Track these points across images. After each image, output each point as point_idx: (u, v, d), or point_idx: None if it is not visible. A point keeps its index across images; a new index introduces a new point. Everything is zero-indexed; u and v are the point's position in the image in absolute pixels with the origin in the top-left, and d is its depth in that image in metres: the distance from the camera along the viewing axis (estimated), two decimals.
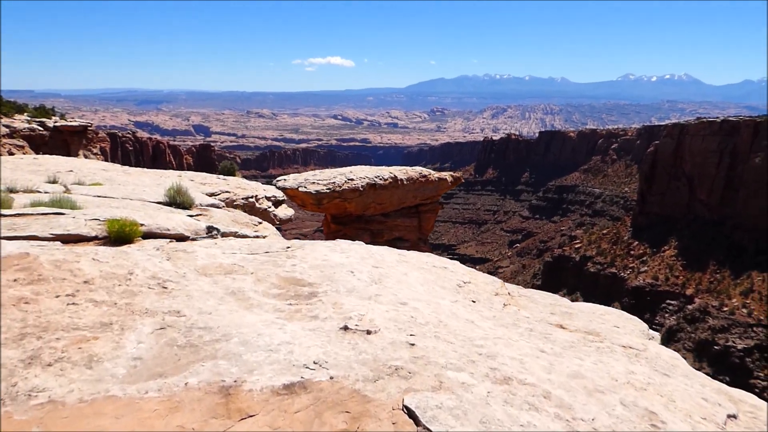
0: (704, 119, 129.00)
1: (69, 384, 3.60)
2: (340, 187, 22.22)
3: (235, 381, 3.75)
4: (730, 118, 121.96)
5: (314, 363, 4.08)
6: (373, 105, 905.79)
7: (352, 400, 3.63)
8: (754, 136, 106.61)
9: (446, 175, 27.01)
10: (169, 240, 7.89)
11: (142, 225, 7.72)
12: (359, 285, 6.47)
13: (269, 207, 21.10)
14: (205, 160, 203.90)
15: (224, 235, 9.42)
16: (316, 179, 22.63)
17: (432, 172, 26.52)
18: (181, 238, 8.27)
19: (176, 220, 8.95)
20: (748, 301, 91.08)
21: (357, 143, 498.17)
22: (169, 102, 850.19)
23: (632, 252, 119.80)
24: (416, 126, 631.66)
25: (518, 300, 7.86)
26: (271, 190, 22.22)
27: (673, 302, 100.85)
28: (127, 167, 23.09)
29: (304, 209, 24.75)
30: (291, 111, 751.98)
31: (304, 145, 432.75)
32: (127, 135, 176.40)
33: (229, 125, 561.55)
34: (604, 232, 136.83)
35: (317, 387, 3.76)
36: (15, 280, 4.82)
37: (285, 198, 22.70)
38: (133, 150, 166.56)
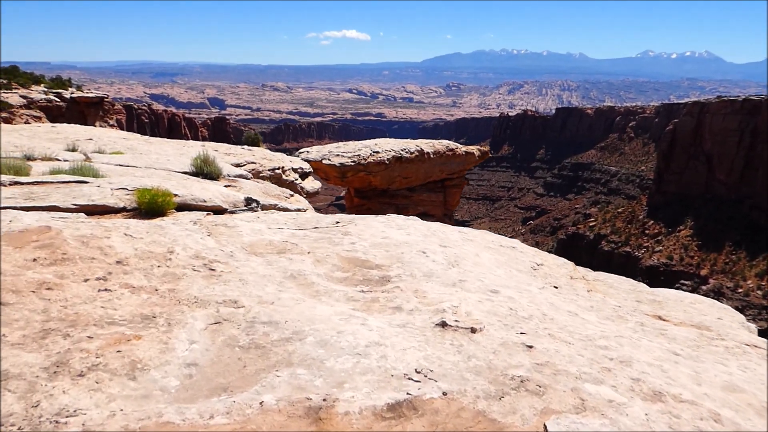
0: (725, 98, 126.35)
1: (108, 403, 2.68)
2: (365, 159, 21.17)
3: (324, 399, 2.81)
4: (752, 97, 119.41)
5: (417, 372, 3.16)
6: (389, 79, 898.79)
7: (479, 426, 2.75)
8: None
9: (473, 148, 26.00)
10: (206, 213, 7.03)
11: (175, 195, 6.86)
12: (436, 268, 5.58)
13: (296, 179, 20.30)
14: (221, 132, 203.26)
15: (264, 208, 8.64)
16: (340, 151, 21.61)
17: (459, 145, 25.31)
18: (218, 210, 7.42)
19: (212, 190, 8.09)
20: (763, 283, 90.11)
21: (372, 117, 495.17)
22: (185, 75, 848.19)
23: (647, 231, 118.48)
24: (432, 101, 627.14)
25: (596, 285, 7.09)
26: (297, 162, 21.38)
27: (687, 282, 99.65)
28: (148, 137, 22.34)
29: (327, 182, 23.58)
30: (306, 85, 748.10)
31: (318, 119, 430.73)
32: (143, 107, 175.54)
33: (244, 98, 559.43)
34: (619, 210, 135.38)
35: (430, 407, 2.85)
36: (35, 260, 3.94)
37: (311, 170, 22.00)
38: (149, 122, 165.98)
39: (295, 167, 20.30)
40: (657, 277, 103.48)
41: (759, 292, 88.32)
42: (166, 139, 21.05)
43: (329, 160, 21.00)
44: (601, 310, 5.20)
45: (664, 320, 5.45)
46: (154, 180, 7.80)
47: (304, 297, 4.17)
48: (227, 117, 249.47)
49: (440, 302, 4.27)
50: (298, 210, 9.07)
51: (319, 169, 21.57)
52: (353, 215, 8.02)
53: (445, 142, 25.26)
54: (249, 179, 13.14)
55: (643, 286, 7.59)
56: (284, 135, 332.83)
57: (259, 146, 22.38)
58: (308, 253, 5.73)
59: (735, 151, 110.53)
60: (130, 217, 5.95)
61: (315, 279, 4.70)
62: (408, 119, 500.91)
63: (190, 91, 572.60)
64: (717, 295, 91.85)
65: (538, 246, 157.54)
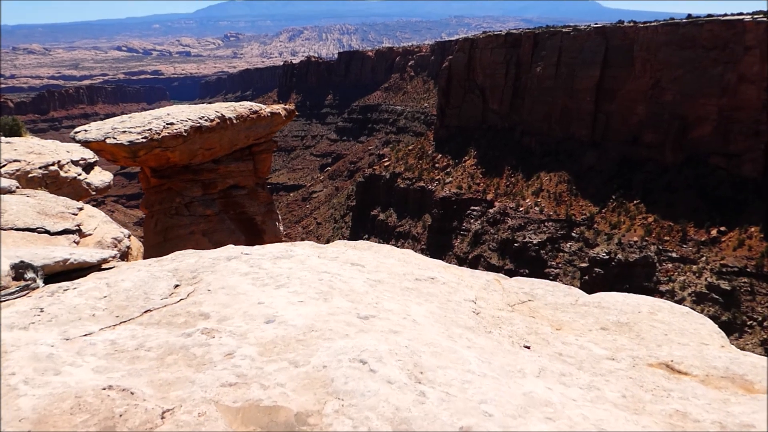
0: (490, 33, 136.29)
1: None
2: (159, 134, 18.35)
3: None
4: (513, 31, 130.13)
5: None
6: (161, 33, 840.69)
7: None
8: (534, 47, 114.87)
9: (278, 108, 23.76)
10: None
11: None
12: (403, 400, 3.50)
13: (79, 174, 16.93)
14: None
15: (48, 274, 5.40)
16: (126, 126, 18.37)
17: (262, 106, 23.04)
18: None
19: None
20: (539, 200, 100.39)
21: (148, 76, 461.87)
22: None
23: (437, 165, 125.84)
24: (211, 53, 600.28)
25: (540, 310, 6.28)
26: (78, 150, 18.03)
27: (476, 208, 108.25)
28: None
29: (115, 164, 20.64)
30: (66, 45, 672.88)
31: (87, 82, 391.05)
32: None
33: None
34: (410, 148, 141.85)
35: None
36: None
37: (96, 159, 18.77)
38: None
39: (75, 158, 17.11)
40: (451, 207, 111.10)
41: (536, 208, 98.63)
42: None
43: (115, 138, 17.85)
44: (600, 386, 4.24)
45: (681, 373, 4.62)
46: None
47: None
48: None
49: None
50: (103, 262, 6.26)
51: (103, 150, 18.51)
52: (192, 264, 6.05)
53: (248, 104, 22.90)
54: (13, 191, 10.76)
55: (576, 291, 6.94)
56: (49, 103, 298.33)
57: (20, 134, 18.85)
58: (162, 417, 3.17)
59: (504, 82, 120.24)
60: None
61: None
62: (188, 74, 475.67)
63: None
64: (503, 215, 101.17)
65: (338, 191, 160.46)
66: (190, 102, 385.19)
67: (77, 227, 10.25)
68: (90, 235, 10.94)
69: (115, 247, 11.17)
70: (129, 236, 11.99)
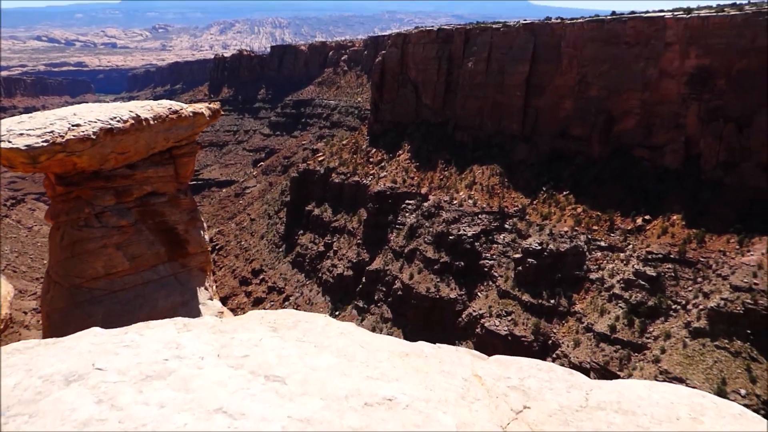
0: (422, 28, 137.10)
1: None
2: (63, 137, 16.17)
3: None
4: (444, 27, 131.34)
5: None
6: (84, 23, 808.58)
7: None
8: (466, 43, 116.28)
9: (201, 107, 21.53)
10: None
11: None
12: None
13: None
14: None
15: None
16: (24, 128, 16.06)
17: (184, 105, 20.85)
18: None
19: None
20: (472, 193, 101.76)
21: (71, 68, 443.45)
22: None
23: (371, 159, 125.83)
24: (138, 45, 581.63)
25: (538, 424, 4.73)
26: None
27: (411, 202, 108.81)
28: None
29: (12, 170, 18.09)
30: None
31: (5, 73, 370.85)
32: None
33: None
34: (344, 142, 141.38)
35: None
36: None
37: None
38: None
39: None
40: (386, 201, 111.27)
41: (470, 201, 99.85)
42: None
43: (10, 142, 15.58)
44: None
45: None
46: None
47: None
48: None
49: None
50: None
51: None
52: (7, 392, 4.74)
53: (167, 103, 20.64)
54: None
55: (582, 380, 5.41)
56: None
57: None
58: None
59: (436, 77, 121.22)
60: None
61: None
62: (115, 67, 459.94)
63: None
64: (437, 209, 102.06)
65: (272, 186, 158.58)
66: (117, 95, 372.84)
67: None
68: None
69: None
70: None
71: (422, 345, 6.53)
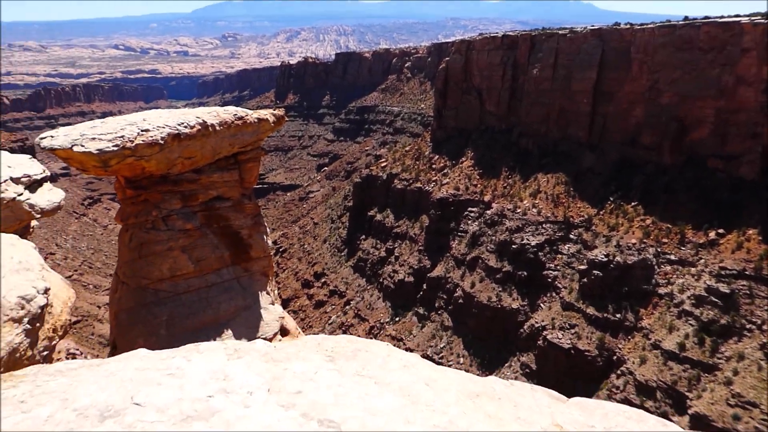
0: (486, 35, 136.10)
1: None
2: (132, 141, 16.41)
3: None
4: (509, 33, 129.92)
5: None
6: (158, 32, 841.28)
7: None
8: (531, 49, 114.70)
9: (266, 114, 21.53)
10: None
11: None
12: None
13: (19, 194, 14.73)
14: None
15: None
16: (97, 133, 16.30)
17: (249, 111, 20.96)
18: None
19: None
20: (536, 201, 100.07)
21: (146, 75, 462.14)
22: None
23: (434, 166, 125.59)
24: (208, 53, 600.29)
25: None
26: (23, 166, 15.75)
27: (474, 209, 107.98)
28: None
29: (85, 173, 18.48)
30: (63, 42, 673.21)
31: (84, 80, 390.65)
32: None
33: None
34: (407, 149, 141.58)
35: None
36: None
37: (47, 174, 16.85)
38: None
39: (17, 175, 14.92)
40: (448, 208, 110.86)
41: (534, 210, 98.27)
42: None
43: (83, 146, 15.78)
44: None
45: None
46: None
47: None
48: None
49: None
50: None
51: (70, 158, 16.56)
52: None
53: (232, 109, 20.72)
54: None
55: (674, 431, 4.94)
56: (46, 101, 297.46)
57: None
58: None
59: (500, 84, 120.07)
60: None
61: None
62: (186, 74, 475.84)
63: None
64: (500, 217, 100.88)
65: (335, 191, 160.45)
66: (187, 101, 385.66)
67: None
68: None
69: (22, 308, 8.65)
70: (47, 291, 9.37)
71: (494, 382, 6.04)
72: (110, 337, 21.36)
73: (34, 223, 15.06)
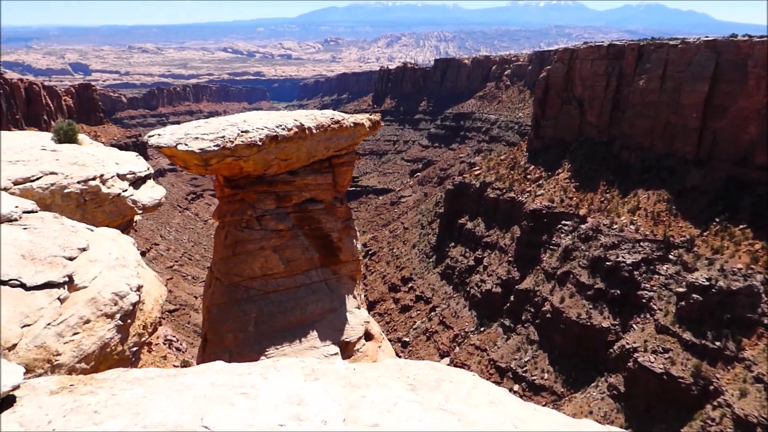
0: (591, 44, 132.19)
1: None
2: (232, 142, 17.02)
3: None
4: (616, 42, 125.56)
5: None
6: (265, 36, 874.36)
7: None
8: (638, 60, 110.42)
9: (363, 118, 21.75)
10: None
11: None
12: None
13: (124, 190, 15.26)
14: (87, 100, 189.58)
15: None
16: (200, 132, 17.03)
17: (345, 116, 21.24)
18: None
19: None
20: (635, 218, 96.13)
21: (250, 77, 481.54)
22: (40, 39, 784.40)
23: (529, 176, 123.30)
24: (311, 57, 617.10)
25: None
26: (130, 162, 16.47)
27: (567, 223, 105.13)
28: None
29: (187, 170, 19.35)
30: (177, 45, 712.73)
31: (194, 81, 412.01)
32: None
33: (111, 62, 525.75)
34: (502, 157, 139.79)
35: None
36: None
37: (150, 172, 17.61)
38: (3, 93, 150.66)
39: (122, 172, 15.58)
40: (541, 220, 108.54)
41: (632, 227, 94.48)
42: None
43: (186, 145, 16.53)
44: None
45: None
46: None
47: None
48: (93, 83, 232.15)
49: None
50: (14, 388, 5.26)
51: (174, 156, 17.28)
52: None
53: (329, 113, 21.06)
54: (15, 218, 9.30)
55: None
56: (158, 99, 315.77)
57: (75, 141, 16.91)
58: None
59: (603, 94, 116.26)
60: None
61: None
62: (288, 77, 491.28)
63: (48, 56, 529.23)
64: (595, 232, 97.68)
65: (427, 197, 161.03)
66: (289, 103, 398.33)
67: (66, 278, 8.33)
68: (84, 288, 8.57)
69: (115, 305, 8.93)
70: (139, 288, 9.66)
71: (589, 426, 5.64)
72: (202, 330, 22.27)
73: (137, 217, 15.80)
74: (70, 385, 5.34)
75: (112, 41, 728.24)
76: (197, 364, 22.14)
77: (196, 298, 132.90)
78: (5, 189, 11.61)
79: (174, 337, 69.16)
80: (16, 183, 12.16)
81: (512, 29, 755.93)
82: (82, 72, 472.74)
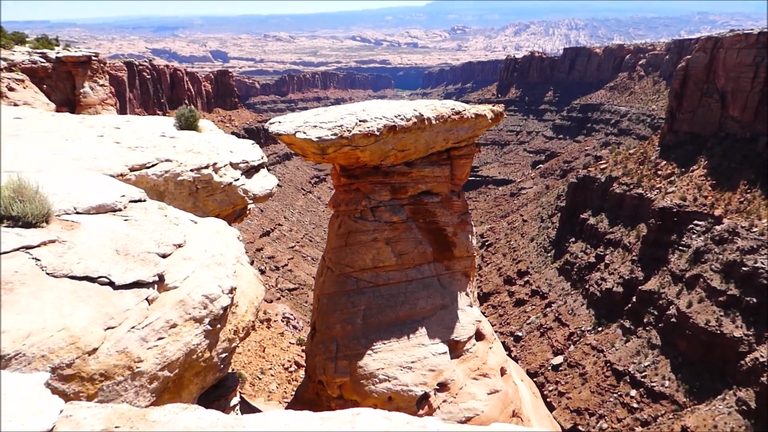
0: (739, 32, 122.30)
1: None
2: (350, 131, 16.76)
3: None
4: (766, 30, 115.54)
5: None
6: (392, 25, 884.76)
7: None
8: None
9: (484, 109, 20.67)
10: None
11: None
12: None
13: (236, 179, 15.16)
14: (224, 86, 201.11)
15: None
16: (318, 121, 16.93)
17: (466, 106, 20.20)
18: None
19: None
20: None
21: (376, 65, 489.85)
22: (185, 28, 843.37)
23: (659, 172, 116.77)
24: (437, 45, 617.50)
25: None
26: (244, 151, 16.37)
27: (700, 223, 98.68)
28: (53, 113, 17.56)
29: (304, 159, 19.38)
30: (309, 33, 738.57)
31: (323, 68, 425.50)
32: (144, 63, 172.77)
33: (247, 50, 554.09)
34: (631, 151, 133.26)
35: None
36: None
37: (263, 161, 17.40)
38: (151, 78, 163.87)
39: (236, 161, 15.53)
40: (670, 218, 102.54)
41: None
42: (70, 117, 16.56)
43: (304, 133, 16.52)
44: None
45: None
46: None
47: None
48: (230, 70, 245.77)
49: None
50: None
51: (293, 144, 17.33)
52: None
53: (450, 103, 20.13)
54: (119, 208, 9.07)
55: None
56: (288, 86, 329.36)
57: (195, 128, 17.11)
58: None
59: (750, 87, 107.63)
60: None
61: None
62: (413, 65, 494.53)
63: (191, 44, 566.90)
64: (732, 234, 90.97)
65: (548, 190, 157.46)
66: (413, 91, 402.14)
67: (156, 277, 7.84)
68: (174, 288, 8.01)
69: (204, 308, 8.30)
70: (232, 290, 8.98)
71: None
72: (311, 318, 22.43)
73: (250, 205, 16.15)
74: (116, 428, 4.84)
75: (249, 30, 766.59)
76: (305, 352, 22.53)
77: (314, 278, 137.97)
78: (122, 175, 11.85)
79: (292, 314, 72.29)
80: (132, 169, 12.28)
81: (649, 16, 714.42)
82: (221, 59, 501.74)
